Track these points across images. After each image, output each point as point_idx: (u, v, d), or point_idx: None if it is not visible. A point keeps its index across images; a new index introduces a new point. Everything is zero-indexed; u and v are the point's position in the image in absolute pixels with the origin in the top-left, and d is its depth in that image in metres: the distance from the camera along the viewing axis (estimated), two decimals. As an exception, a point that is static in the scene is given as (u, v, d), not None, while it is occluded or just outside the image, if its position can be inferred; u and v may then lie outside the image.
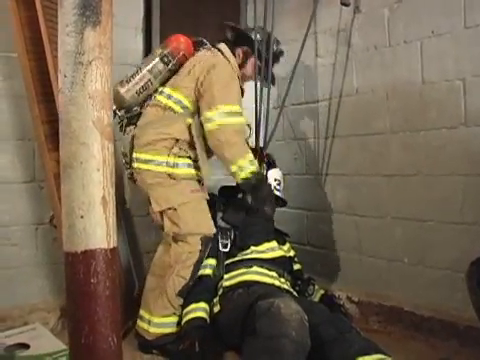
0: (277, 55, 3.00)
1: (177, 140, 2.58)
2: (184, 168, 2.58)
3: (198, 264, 2.57)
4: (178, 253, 2.57)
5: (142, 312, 2.62)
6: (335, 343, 2.11)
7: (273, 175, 3.11)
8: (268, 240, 2.82)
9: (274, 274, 2.67)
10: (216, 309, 2.57)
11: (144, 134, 2.58)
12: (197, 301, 2.54)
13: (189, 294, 2.56)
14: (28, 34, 2.64)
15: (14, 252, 2.83)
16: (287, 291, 2.62)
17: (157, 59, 2.64)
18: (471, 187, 2.59)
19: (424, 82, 2.80)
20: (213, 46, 2.80)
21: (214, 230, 2.66)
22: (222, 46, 2.79)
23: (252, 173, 2.62)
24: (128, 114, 2.70)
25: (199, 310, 2.52)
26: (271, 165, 3.07)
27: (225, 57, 2.73)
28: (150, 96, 2.69)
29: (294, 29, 3.44)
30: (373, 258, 3.09)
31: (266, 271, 2.65)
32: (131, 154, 2.60)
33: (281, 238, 2.98)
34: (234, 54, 2.81)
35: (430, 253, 2.77)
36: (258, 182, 2.68)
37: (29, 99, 2.67)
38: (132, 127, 2.69)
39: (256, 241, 2.78)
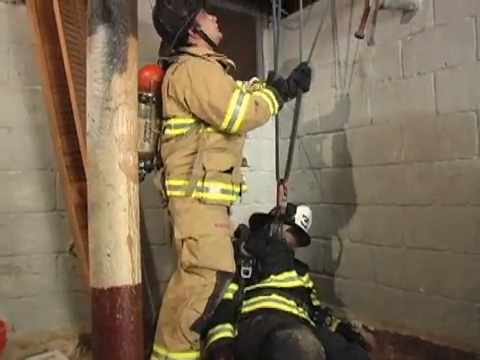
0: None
1: (201, 156, 2.47)
2: (215, 193, 2.50)
3: (214, 298, 2.45)
4: (192, 286, 2.45)
5: (157, 348, 2.49)
6: (351, 373, 2.13)
7: (302, 211, 3.18)
8: (288, 270, 2.85)
9: (292, 303, 2.69)
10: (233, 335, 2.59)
11: (169, 162, 2.54)
12: (223, 322, 2.57)
13: (214, 316, 2.50)
14: (52, 68, 2.73)
15: (35, 280, 2.89)
16: (304, 320, 2.64)
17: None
18: (486, 217, 2.61)
19: (438, 113, 2.83)
20: (179, 53, 2.61)
21: (234, 269, 2.56)
22: (182, 49, 2.59)
23: (279, 103, 2.56)
24: (155, 160, 2.69)
25: (226, 330, 2.53)
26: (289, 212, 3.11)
27: (193, 54, 2.54)
28: (158, 135, 2.65)
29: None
30: (389, 287, 3.10)
31: (285, 299, 2.68)
32: (164, 184, 2.53)
33: (301, 269, 3.00)
34: (192, 45, 2.61)
35: (446, 282, 2.78)
36: (281, 92, 2.59)
37: (52, 131, 2.74)
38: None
39: (276, 270, 2.81)
